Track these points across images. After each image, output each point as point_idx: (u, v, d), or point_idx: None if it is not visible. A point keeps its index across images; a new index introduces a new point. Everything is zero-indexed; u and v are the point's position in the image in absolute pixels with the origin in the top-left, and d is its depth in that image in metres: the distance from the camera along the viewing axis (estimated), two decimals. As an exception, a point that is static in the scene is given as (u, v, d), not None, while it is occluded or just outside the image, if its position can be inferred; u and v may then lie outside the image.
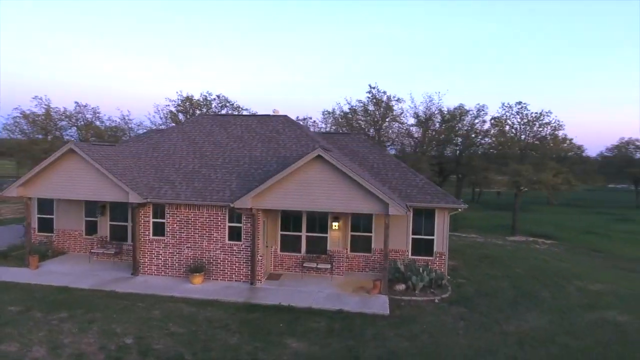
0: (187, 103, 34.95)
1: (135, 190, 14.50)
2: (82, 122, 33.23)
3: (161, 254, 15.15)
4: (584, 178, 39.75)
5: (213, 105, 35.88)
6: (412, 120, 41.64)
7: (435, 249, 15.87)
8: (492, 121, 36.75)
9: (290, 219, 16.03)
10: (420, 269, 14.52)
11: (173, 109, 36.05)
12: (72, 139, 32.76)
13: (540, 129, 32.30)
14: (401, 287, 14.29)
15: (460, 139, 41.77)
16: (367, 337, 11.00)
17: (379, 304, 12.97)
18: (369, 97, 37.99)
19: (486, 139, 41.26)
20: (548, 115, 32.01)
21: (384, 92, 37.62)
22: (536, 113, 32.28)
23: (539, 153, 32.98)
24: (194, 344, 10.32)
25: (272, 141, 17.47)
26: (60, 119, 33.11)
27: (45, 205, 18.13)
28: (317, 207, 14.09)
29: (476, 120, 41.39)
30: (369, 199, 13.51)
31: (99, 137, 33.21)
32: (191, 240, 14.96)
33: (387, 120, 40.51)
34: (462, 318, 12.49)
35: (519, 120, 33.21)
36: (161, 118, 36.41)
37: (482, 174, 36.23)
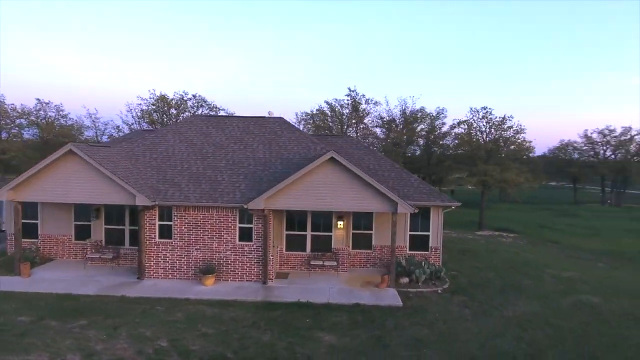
0: (161, 102, 33.91)
1: (142, 193, 14.25)
2: (43, 120, 31.07)
3: (168, 257, 14.97)
4: (533, 177, 43.58)
5: (189, 105, 35.16)
6: (379, 122, 43.47)
7: (430, 244, 17.05)
8: (456, 123, 39.32)
9: (295, 219, 16.46)
10: (422, 263, 15.59)
11: (145, 108, 34.81)
12: (33, 138, 30.59)
13: (504, 132, 35.12)
14: (405, 280, 15.26)
15: (422, 140, 44.16)
16: (389, 327, 11.81)
17: (390, 297, 13.83)
18: (348, 100, 39.32)
19: (446, 140, 43.96)
20: (510, 120, 35.00)
21: (363, 95, 39.34)
22: (500, 118, 35.15)
23: (499, 154, 35.72)
24: (229, 343, 10.54)
25: (273, 143, 17.76)
26: (18, 116, 30.73)
27: (27, 209, 17.05)
28: (327, 207, 14.68)
29: (436, 122, 44.06)
30: (379, 198, 14.32)
31: (59, 136, 31.17)
32: (200, 242, 14.93)
33: (353, 121, 42.00)
34: (466, 306, 13.68)
35: (484, 123, 35.88)
36: (133, 117, 35.04)
37: (452, 174, 38.57)
